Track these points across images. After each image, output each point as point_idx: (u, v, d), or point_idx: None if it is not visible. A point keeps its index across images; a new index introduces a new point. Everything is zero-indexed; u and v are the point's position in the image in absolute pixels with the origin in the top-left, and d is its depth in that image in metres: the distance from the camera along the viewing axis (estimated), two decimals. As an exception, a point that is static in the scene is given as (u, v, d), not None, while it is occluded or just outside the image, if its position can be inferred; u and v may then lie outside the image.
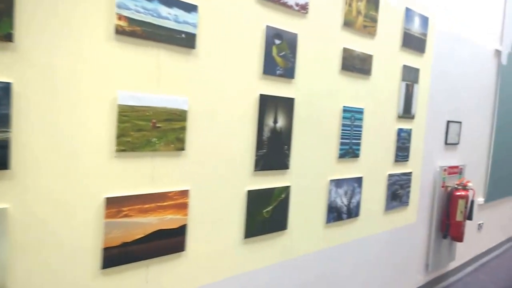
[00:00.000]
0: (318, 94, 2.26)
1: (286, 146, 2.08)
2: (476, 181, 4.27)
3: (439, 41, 3.33)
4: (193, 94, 1.67)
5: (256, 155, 1.94)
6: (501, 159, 4.70)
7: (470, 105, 3.98)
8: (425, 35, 3.11)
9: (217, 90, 1.76)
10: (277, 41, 1.97)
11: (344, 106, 2.45)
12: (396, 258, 3.18)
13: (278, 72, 2.00)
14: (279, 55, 1.99)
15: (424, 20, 3.08)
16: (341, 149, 2.47)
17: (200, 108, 1.70)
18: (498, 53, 4.34)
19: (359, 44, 2.51)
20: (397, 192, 3.05)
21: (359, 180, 2.64)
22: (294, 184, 2.18)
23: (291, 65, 2.06)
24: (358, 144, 2.61)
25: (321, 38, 2.23)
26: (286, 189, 2.12)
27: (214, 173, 1.79)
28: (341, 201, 2.51)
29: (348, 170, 2.57)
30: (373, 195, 2.82)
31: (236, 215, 1.89)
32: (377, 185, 2.85)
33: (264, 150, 1.97)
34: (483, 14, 4.01)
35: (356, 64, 2.50)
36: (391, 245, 3.11)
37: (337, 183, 2.46)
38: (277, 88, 2.02)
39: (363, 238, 2.80)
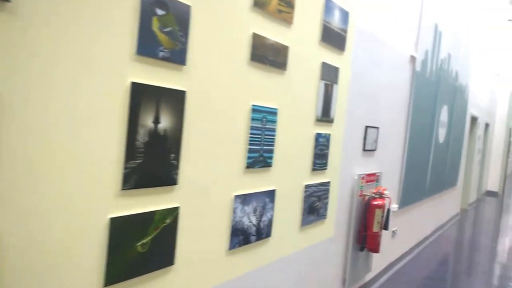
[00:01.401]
0: (219, 87, 1.72)
1: (173, 155, 1.51)
2: (391, 188, 4.03)
3: (358, 40, 2.98)
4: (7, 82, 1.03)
5: (126, 168, 1.33)
6: (413, 166, 4.55)
7: (386, 111, 3.71)
8: (345, 31, 2.71)
9: (46, 75, 1.13)
10: (160, 11, 1.39)
11: (253, 105, 1.93)
12: (312, 278, 2.74)
13: (161, 54, 1.42)
14: (163, 30, 1.41)
15: (344, 15, 2.69)
16: (249, 158, 1.95)
17: (18, 100, 1.06)
18: (413, 59, 4.16)
19: (272, 31, 2.01)
20: (315, 205, 2.61)
21: (271, 194, 2.14)
22: (185, 205, 1.60)
23: (181, 47, 1.49)
24: (271, 151, 2.11)
25: (224, 16, 1.69)
26: (173, 212, 1.54)
27: (57, 197, 1.15)
28: (249, 220, 1.99)
29: (258, 183, 2.06)
30: (288, 210, 2.34)
31: (89, 256, 1.26)
32: (293, 198, 2.38)
33: (139, 161, 1.37)
34: (400, 20, 3.78)
35: (269, 55, 2.00)
36: (307, 265, 2.66)
37: (244, 199, 1.94)
38: (159, 76, 1.43)
39: (276, 261, 2.31)
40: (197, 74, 1.59)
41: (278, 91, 2.14)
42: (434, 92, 5.08)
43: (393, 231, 4.14)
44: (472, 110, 7.78)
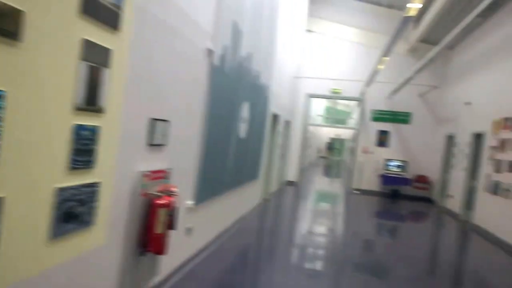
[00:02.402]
0: None
1: None
2: (186, 185, 3.84)
3: (142, 22, 2.62)
4: None
5: None
6: (211, 161, 4.48)
7: (180, 103, 3.48)
8: (118, 7, 2.31)
9: None
10: None
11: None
12: (73, 296, 2.27)
13: None
14: None
15: (118, -12, 2.28)
16: None
17: None
18: (210, 52, 4.04)
19: (-12, -16, 1.47)
20: (74, 211, 2.14)
21: (-8, 203, 1.60)
22: None
23: None
24: (-9, 147, 1.56)
25: None
26: None
27: None
28: None
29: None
30: (26, 222, 1.82)
31: None
32: (35, 206, 1.87)
33: None
34: (196, 10, 3.58)
35: (-18, 17, 1.45)
36: (68, 282, 2.18)
37: None
38: None
39: (13, 285, 1.77)
40: None
41: (8, 69, 1.61)
42: (235, 89, 5.15)
43: (187, 228, 3.97)
44: (273, 108, 8.39)
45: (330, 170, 24.86)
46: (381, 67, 9.01)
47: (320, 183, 16.21)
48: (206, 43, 3.92)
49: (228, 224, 5.81)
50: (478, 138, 8.67)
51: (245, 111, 5.80)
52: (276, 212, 8.54)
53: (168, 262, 3.54)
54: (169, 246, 3.22)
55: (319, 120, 21.04)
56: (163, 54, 3.02)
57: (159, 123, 3.07)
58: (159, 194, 2.95)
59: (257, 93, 6.58)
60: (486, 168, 7.93)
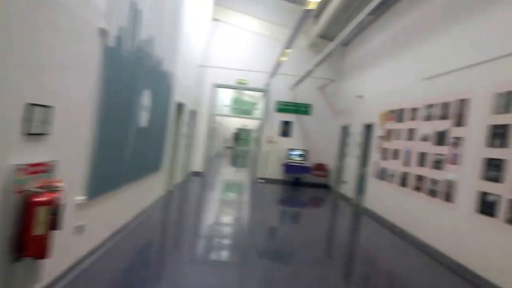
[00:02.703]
0: None
1: None
2: (76, 179, 3.45)
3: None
4: None
5: None
6: (106, 151, 4.10)
7: (66, 87, 3.08)
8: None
9: None
10: None
11: None
12: None
13: None
14: None
15: None
16: None
17: None
18: (104, 32, 3.65)
19: None
20: None
21: None
22: None
23: None
24: None
25: None
26: None
27: None
28: None
29: None
30: None
31: None
32: None
33: None
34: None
35: None
36: None
37: None
38: None
39: None
40: None
41: None
42: (134, 74, 4.79)
43: (77, 226, 3.58)
44: (178, 97, 8.09)
45: (236, 160, 25.13)
46: (284, 59, 9.24)
47: (226, 173, 16.26)
48: (99, 22, 3.53)
49: (128, 218, 5.44)
50: (368, 128, 9.40)
51: (146, 98, 5.45)
52: (181, 203, 8.30)
53: (53, 266, 3.14)
54: (54, 248, 2.86)
55: (226, 111, 21.09)
56: (46, 30, 2.62)
57: (38, 109, 2.66)
58: (38, 190, 2.57)
59: (160, 80, 6.24)
60: (374, 156, 8.64)
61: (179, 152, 9.12)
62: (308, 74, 10.48)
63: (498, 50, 4.77)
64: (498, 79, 4.69)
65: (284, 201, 10.40)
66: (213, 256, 5.00)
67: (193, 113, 10.92)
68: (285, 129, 12.70)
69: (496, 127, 4.60)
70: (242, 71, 12.16)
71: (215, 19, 12.35)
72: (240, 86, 12.93)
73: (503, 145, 4.43)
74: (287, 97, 12.64)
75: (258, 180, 12.57)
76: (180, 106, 8.68)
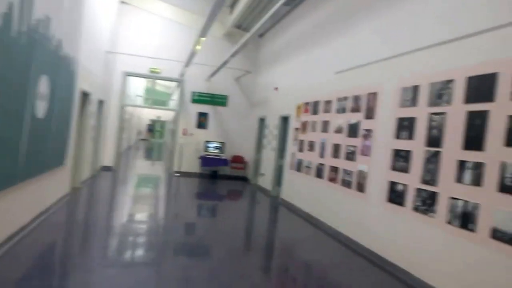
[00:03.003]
0: None
1: None
2: None
3: None
4: None
5: None
6: (-9, 147, 3.47)
7: None
8: None
9: None
10: None
11: None
12: None
13: None
14: None
15: None
16: None
17: None
18: (-17, 5, 3.04)
19: None
20: None
21: None
22: None
23: None
24: None
25: None
26: None
27: None
28: None
29: None
30: None
31: None
32: None
33: None
34: None
35: None
36: None
37: None
38: None
39: None
40: None
41: None
42: (27, 58, 4.14)
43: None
44: (83, 85, 7.34)
45: (151, 153, 24.14)
46: (199, 47, 8.90)
47: (140, 167, 15.47)
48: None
49: (25, 221, 4.76)
50: (284, 120, 9.53)
51: (43, 86, 4.78)
52: (89, 201, 7.59)
53: None
54: None
55: (139, 101, 20.04)
56: None
57: None
58: None
59: (60, 66, 5.53)
60: (291, 148, 8.78)
61: (86, 145, 8.33)
62: (224, 64, 10.28)
63: (403, 46, 5.03)
64: (404, 74, 4.95)
65: (202, 194, 10.15)
66: (126, 257, 4.59)
67: (102, 103, 10.07)
68: (202, 121, 12.39)
69: (402, 119, 4.86)
70: (155, 60, 11.57)
71: (123, 2, 11.50)
72: (152, 75, 12.28)
73: (409, 137, 4.70)
74: (203, 88, 12.33)
75: (174, 174, 12.11)
76: (85, 95, 7.90)
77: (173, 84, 16.74)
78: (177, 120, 12.66)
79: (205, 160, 11.91)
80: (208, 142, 12.16)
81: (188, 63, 10.58)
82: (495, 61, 3.60)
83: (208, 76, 11.91)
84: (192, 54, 9.54)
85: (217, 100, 12.37)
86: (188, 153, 12.28)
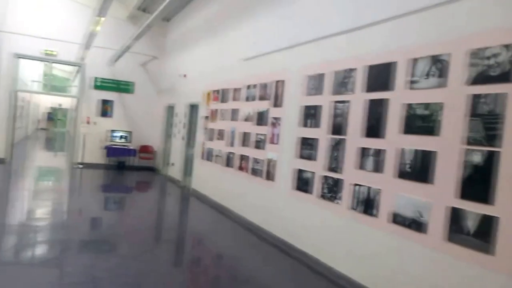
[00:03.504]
0: None
1: None
2: None
3: None
4: None
5: None
6: None
7: None
8: None
9: None
10: None
11: None
12: None
13: None
14: None
15: None
16: None
17: None
18: None
19: None
20: None
21: None
22: None
23: None
24: None
25: None
26: None
27: None
28: None
29: None
30: None
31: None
32: None
33: None
34: None
35: None
36: None
37: None
38: None
39: None
40: None
41: None
42: None
43: None
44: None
45: (52, 143, 21.89)
46: (98, 28, 7.99)
47: (38, 158, 13.88)
48: None
49: None
50: (193, 108, 9.07)
51: None
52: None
53: None
54: None
55: (35, 87, 17.89)
56: None
57: None
58: None
59: None
60: (200, 137, 8.38)
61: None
62: (128, 49, 9.44)
63: (307, 34, 4.92)
64: (309, 62, 4.85)
65: (108, 187, 9.33)
66: (22, 256, 3.91)
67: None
68: (105, 109, 11.34)
69: (309, 108, 4.77)
70: (51, 41, 10.24)
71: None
72: (47, 58, 10.85)
73: (315, 125, 4.62)
74: (106, 74, 11.26)
75: (77, 165, 10.97)
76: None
77: (74, 69, 15.16)
78: (78, 108, 11.44)
79: (111, 151, 10.96)
80: (113, 131, 11.19)
81: (87, 45, 9.51)
82: (392, 50, 3.61)
83: (111, 60, 10.89)
84: (92, 35, 8.56)
85: (122, 87, 11.40)
86: (91, 143, 11.19)
